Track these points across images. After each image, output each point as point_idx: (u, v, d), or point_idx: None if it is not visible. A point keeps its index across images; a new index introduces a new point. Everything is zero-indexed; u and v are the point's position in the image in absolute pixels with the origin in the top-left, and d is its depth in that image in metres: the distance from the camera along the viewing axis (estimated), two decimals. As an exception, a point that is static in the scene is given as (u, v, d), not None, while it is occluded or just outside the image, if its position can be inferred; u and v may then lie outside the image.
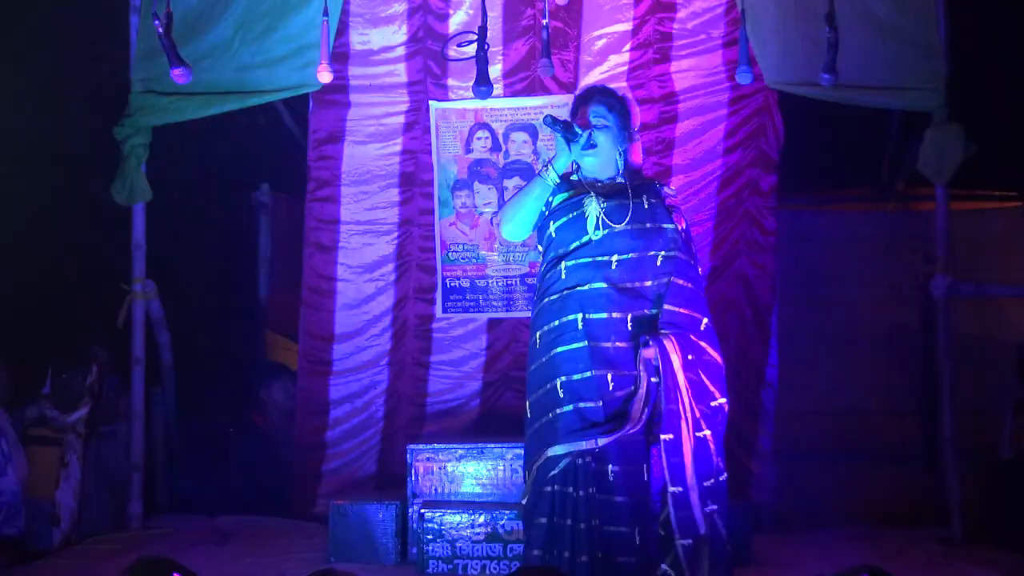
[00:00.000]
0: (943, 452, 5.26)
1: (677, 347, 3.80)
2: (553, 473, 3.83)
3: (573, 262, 3.91)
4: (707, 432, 3.83)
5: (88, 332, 5.64)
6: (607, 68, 5.51)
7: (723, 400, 3.90)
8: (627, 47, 5.52)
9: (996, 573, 4.43)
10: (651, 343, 3.80)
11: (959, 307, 5.43)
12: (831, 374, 6.23)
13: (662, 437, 3.77)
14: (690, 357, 3.83)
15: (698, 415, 3.81)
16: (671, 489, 3.75)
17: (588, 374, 3.83)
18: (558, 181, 4.02)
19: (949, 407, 5.23)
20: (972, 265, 5.69)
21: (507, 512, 4.58)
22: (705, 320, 3.92)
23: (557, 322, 3.90)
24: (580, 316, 3.86)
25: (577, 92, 4.30)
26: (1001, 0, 5.66)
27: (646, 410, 3.79)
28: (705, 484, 3.79)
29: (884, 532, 5.15)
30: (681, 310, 3.88)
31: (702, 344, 3.88)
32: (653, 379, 3.80)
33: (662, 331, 3.83)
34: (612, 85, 5.38)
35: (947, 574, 4.51)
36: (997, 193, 6.75)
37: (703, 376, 3.86)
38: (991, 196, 6.72)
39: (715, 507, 3.84)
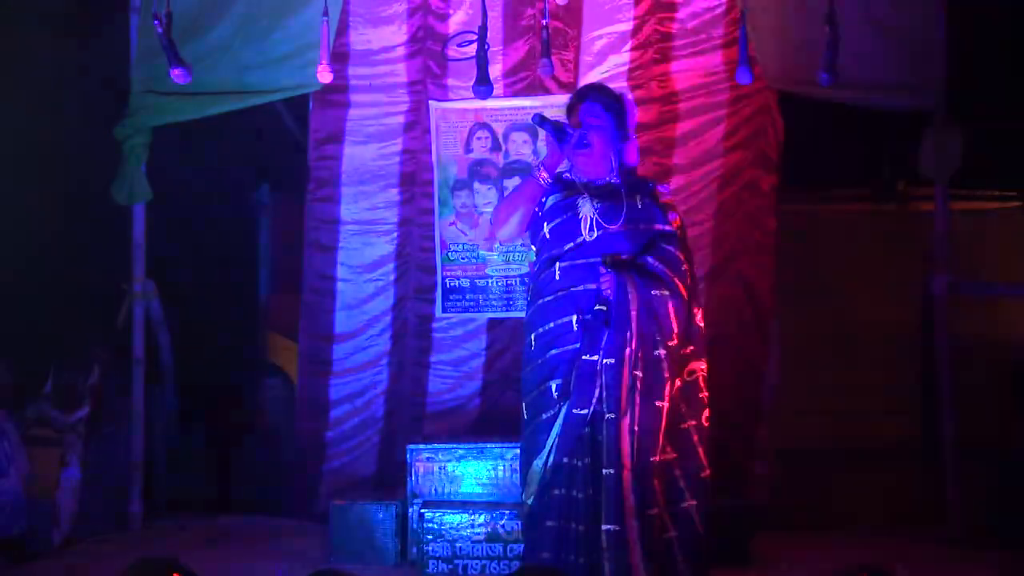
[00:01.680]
0: (943, 452, 5.26)
1: (636, 284, 3.78)
2: (558, 475, 3.81)
3: (567, 263, 3.90)
4: (640, 373, 3.76)
5: (88, 332, 5.64)
6: (607, 68, 5.51)
7: (663, 352, 3.80)
8: (627, 47, 5.52)
9: (996, 573, 4.43)
10: (609, 271, 3.77)
11: (959, 307, 5.43)
12: (831, 374, 6.23)
13: (604, 361, 3.76)
14: (643, 302, 3.79)
15: (641, 355, 3.78)
16: (607, 415, 3.73)
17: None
18: (551, 181, 4.02)
19: (949, 407, 5.23)
20: (972, 265, 5.69)
21: (507, 512, 4.57)
22: (665, 293, 3.82)
23: (552, 324, 3.89)
24: (575, 317, 3.85)
25: (577, 90, 4.28)
26: (1001, 0, 5.66)
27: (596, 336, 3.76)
28: (635, 427, 3.73)
29: (884, 532, 5.15)
30: (648, 275, 3.84)
31: (653, 306, 3.83)
32: (598, 307, 3.78)
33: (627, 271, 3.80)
34: (612, 85, 5.40)
35: (947, 574, 4.51)
36: (997, 193, 6.76)
37: (654, 326, 3.82)
38: (991, 196, 6.72)
39: (694, 503, 3.83)
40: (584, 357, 3.79)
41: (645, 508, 3.73)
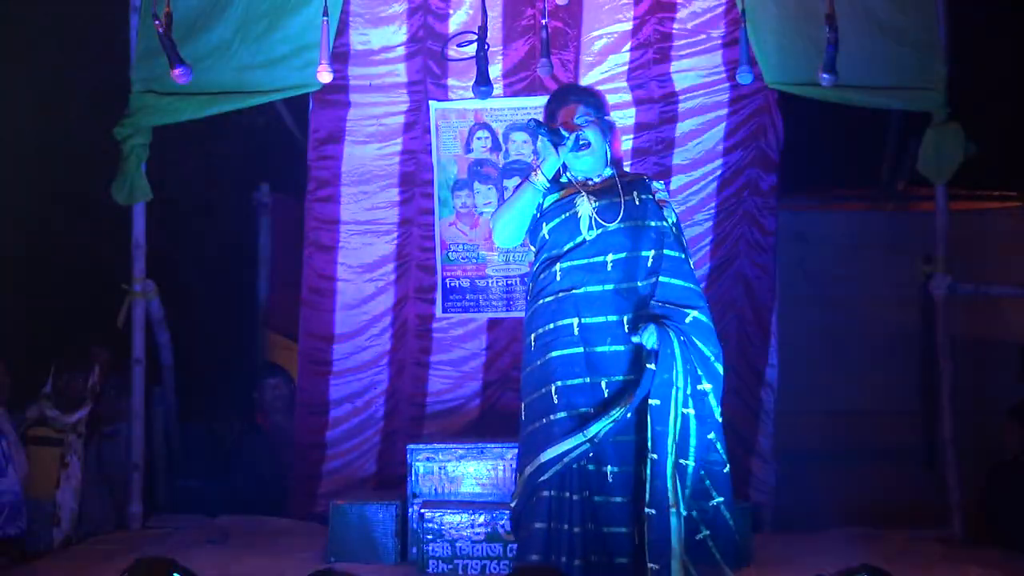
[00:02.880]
0: (943, 452, 5.26)
1: (671, 327, 3.79)
2: (547, 477, 3.81)
3: (568, 264, 3.90)
4: (691, 411, 3.81)
5: (88, 332, 5.64)
6: (607, 68, 5.51)
7: (708, 386, 3.85)
8: (627, 47, 5.52)
9: (996, 573, 4.43)
10: (645, 329, 3.79)
11: (959, 307, 5.43)
12: (831, 374, 6.22)
13: (650, 402, 3.76)
14: (681, 338, 3.80)
15: (688, 392, 3.79)
16: (651, 456, 3.73)
17: (584, 380, 3.83)
18: (547, 185, 4.02)
19: (949, 407, 5.23)
20: (972, 265, 5.68)
21: (507, 512, 4.56)
22: (693, 313, 3.87)
23: (552, 325, 3.89)
24: (576, 320, 3.85)
25: (550, 96, 4.27)
26: (1001, 0, 5.66)
27: (638, 393, 3.77)
28: (682, 461, 3.76)
29: (884, 532, 5.15)
30: (667, 305, 3.86)
31: (690, 337, 3.84)
32: (649, 365, 3.78)
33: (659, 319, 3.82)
34: (612, 85, 5.43)
35: (947, 574, 4.51)
36: (997, 193, 6.75)
37: (696, 359, 3.83)
38: (991, 196, 6.72)
39: (721, 499, 3.84)
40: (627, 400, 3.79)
41: (686, 535, 3.74)
